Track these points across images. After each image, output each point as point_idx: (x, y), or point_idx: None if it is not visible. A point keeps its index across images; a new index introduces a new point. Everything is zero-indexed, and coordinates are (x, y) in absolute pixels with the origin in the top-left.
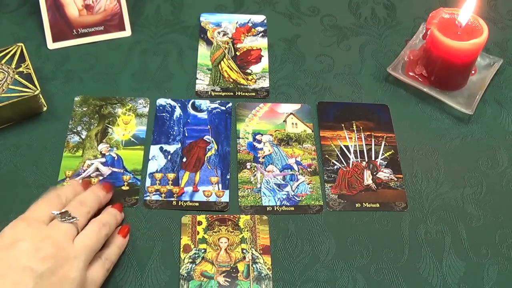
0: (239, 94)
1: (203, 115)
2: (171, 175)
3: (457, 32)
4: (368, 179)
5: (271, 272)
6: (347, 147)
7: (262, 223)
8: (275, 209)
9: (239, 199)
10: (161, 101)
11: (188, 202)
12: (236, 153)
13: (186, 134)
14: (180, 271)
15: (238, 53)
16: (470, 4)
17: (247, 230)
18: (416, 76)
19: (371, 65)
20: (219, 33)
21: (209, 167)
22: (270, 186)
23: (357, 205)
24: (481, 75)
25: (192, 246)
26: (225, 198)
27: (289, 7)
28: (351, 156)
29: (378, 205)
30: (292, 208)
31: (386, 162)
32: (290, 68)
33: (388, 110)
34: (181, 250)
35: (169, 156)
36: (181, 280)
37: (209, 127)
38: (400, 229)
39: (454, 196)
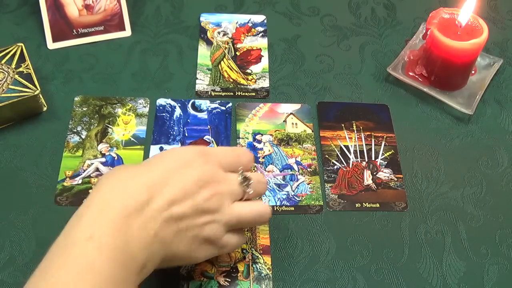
0: (239, 94)
1: (203, 115)
2: None
3: (457, 32)
4: (368, 179)
5: (271, 272)
6: (347, 147)
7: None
8: (275, 209)
9: None
10: (161, 101)
11: None
12: None
13: (186, 134)
14: (180, 270)
15: (238, 53)
16: (470, 4)
17: (247, 230)
18: (416, 76)
19: (371, 65)
20: (219, 33)
21: None
22: (270, 186)
23: (357, 205)
24: (481, 75)
25: None
26: None
27: (289, 7)
28: (351, 156)
29: (378, 205)
30: (292, 208)
31: (386, 162)
32: (290, 68)
33: (388, 110)
34: None
35: None
36: (181, 280)
37: (209, 127)
38: (400, 229)
39: (454, 196)
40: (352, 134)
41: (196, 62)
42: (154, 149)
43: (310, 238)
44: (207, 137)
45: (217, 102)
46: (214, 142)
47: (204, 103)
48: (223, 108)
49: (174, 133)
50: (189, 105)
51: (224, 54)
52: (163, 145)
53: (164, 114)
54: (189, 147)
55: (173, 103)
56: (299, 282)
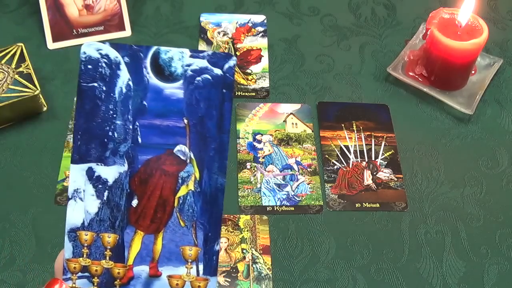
0: (239, 94)
1: (176, 89)
2: (109, 237)
3: (457, 32)
4: (368, 179)
5: (271, 272)
6: (347, 147)
7: (262, 223)
8: (275, 209)
9: (239, 199)
10: (89, 48)
11: None
12: (236, 153)
13: (140, 140)
14: None
15: (238, 53)
16: (470, 4)
17: (247, 230)
18: (416, 76)
19: (371, 65)
20: (219, 33)
21: (182, 223)
22: (270, 186)
23: (357, 205)
24: (481, 75)
25: None
26: None
27: (289, 7)
28: (351, 156)
29: (378, 205)
30: (292, 208)
31: (386, 162)
32: (290, 68)
33: (388, 110)
34: None
35: (106, 192)
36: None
37: (185, 121)
38: (400, 229)
39: (454, 196)
40: (352, 134)
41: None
42: (76, 174)
43: (310, 238)
44: (180, 149)
45: (205, 54)
46: (194, 161)
47: (178, 57)
48: (217, 72)
49: (116, 134)
50: (148, 61)
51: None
52: (93, 165)
53: (95, 84)
54: None
55: (113, 53)
56: (299, 282)
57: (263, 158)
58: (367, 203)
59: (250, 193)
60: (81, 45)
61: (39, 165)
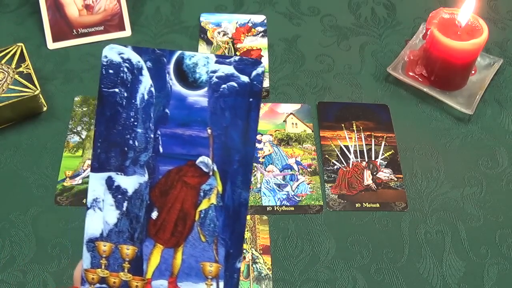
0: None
1: (200, 97)
2: (128, 249)
3: (457, 32)
4: (368, 179)
5: (271, 272)
6: (347, 147)
7: (262, 223)
8: (275, 209)
9: None
10: (111, 53)
11: None
12: None
13: (161, 150)
14: None
15: (238, 53)
16: (470, 4)
17: (247, 230)
18: (416, 76)
19: (371, 65)
20: (219, 33)
21: (203, 238)
22: (270, 186)
23: (357, 205)
24: (481, 75)
25: None
26: None
27: (289, 7)
28: (351, 156)
29: (378, 205)
30: (292, 208)
31: (386, 162)
32: (290, 68)
33: (388, 110)
34: None
35: (126, 203)
36: None
37: (208, 131)
38: (400, 229)
39: (454, 196)
40: (352, 134)
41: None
42: (95, 183)
43: (310, 238)
44: (203, 160)
45: (232, 61)
46: (217, 173)
47: (203, 62)
48: (244, 80)
49: (136, 143)
50: (172, 67)
51: (224, 54)
52: (112, 174)
53: (117, 89)
54: None
55: (135, 57)
56: (299, 282)
57: (263, 158)
58: (367, 203)
59: (250, 193)
60: (81, 45)
61: (39, 165)
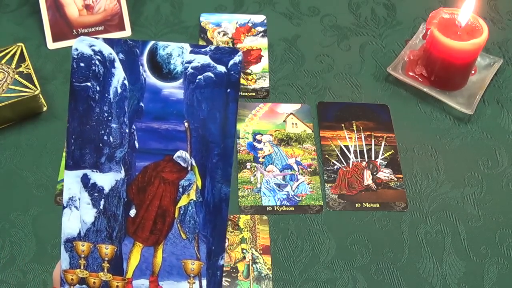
0: (239, 94)
1: (175, 89)
2: (107, 248)
3: (457, 32)
4: (368, 179)
5: (271, 272)
6: (347, 147)
7: (262, 223)
8: (275, 209)
9: (239, 199)
10: (81, 44)
11: None
12: (236, 153)
13: (137, 145)
14: None
15: None
16: (470, 4)
17: (247, 230)
18: (416, 76)
19: (371, 65)
20: (219, 33)
21: (183, 235)
22: (270, 186)
23: (357, 205)
24: (481, 75)
25: None
26: None
27: (289, 7)
28: (351, 156)
29: (378, 205)
30: (292, 208)
31: (386, 162)
32: (290, 68)
33: (388, 110)
34: None
35: (102, 201)
36: None
37: (185, 124)
38: (400, 229)
39: (454, 196)
40: (352, 134)
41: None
42: (70, 181)
43: (310, 238)
44: (180, 155)
45: (207, 50)
46: (196, 168)
47: (178, 52)
48: (220, 70)
49: (111, 138)
50: (145, 58)
51: None
52: (88, 172)
53: (89, 83)
54: None
55: (107, 49)
56: (299, 282)
57: (263, 158)
58: (367, 203)
59: (250, 193)
60: None
61: (39, 165)
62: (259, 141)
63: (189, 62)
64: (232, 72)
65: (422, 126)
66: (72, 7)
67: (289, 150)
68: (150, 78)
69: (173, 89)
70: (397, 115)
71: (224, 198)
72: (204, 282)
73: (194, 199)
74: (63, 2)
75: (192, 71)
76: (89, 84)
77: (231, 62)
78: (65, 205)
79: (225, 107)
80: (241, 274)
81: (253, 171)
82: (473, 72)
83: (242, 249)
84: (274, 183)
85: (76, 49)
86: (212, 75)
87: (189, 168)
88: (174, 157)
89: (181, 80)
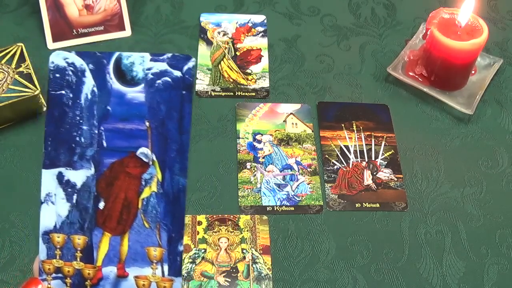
0: (239, 94)
1: (137, 93)
2: (79, 239)
3: (457, 32)
4: (368, 179)
5: (271, 272)
6: (347, 147)
7: (262, 223)
8: (275, 209)
9: (239, 199)
10: (57, 57)
11: None
12: (236, 153)
13: (105, 144)
14: (181, 270)
15: (238, 53)
16: (470, 4)
17: (247, 230)
18: (416, 76)
19: (371, 65)
20: (219, 33)
21: (146, 224)
22: (270, 186)
23: (357, 205)
24: (481, 75)
25: (192, 246)
26: None
27: (289, 7)
28: (351, 156)
29: (378, 205)
30: (292, 208)
31: (386, 162)
32: (290, 68)
33: (388, 110)
34: None
35: (75, 196)
36: (181, 280)
37: (146, 124)
38: (400, 229)
39: (454, 196)
40: (352, 134)
41: (196, 62)
42: (48, 179)
43: (310, 238)
44: (143, 151)
45: (165, 57)
46: (157, 163)
47: (139, 61)
48: (176, 74)
49: (82, 139)
50: (111, 67)
51: (224, 54)
52: (63, 170)
53: (63, 91)
54: None
55: (79, 61)
56: (299, 282)
57: (263, 158)
58: (367, 203)
59: (250, 193)
60: (81, 45)
61: (39, 165)
62: (259, 141)
63: (149, 69)
64: (187, 76)
65: (422, 126)
66: (72, 7)
67: (289, 150)
68: (116, 84)
69: (136, 93)
70: (397, 115)
71: (182, 189)
72: (166, 267)
73: (156, 191)
74: (63, 2)
75: (152, 76)
76: (63, 92)
77: (185, 68)
78: (42, 200)
79: (181, 106)
80: (241, 274)
81: (253, 171)
82: (473, 72)
83: (242, 249)
84: (274, 183)
85: (52, 62)
86: (169, 80)
87: (151, 163)
88: (137, 153)
89: (142, 85)
